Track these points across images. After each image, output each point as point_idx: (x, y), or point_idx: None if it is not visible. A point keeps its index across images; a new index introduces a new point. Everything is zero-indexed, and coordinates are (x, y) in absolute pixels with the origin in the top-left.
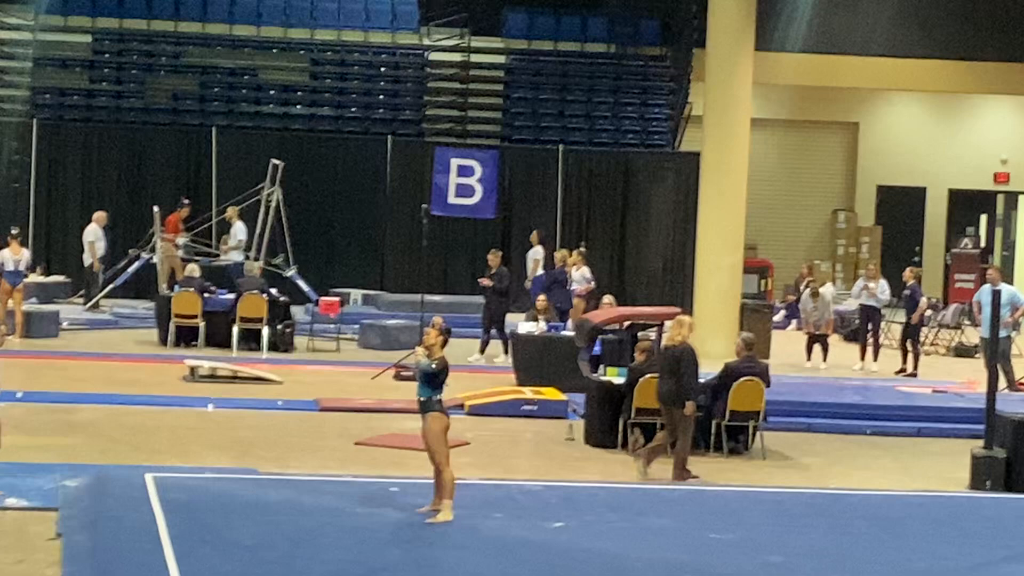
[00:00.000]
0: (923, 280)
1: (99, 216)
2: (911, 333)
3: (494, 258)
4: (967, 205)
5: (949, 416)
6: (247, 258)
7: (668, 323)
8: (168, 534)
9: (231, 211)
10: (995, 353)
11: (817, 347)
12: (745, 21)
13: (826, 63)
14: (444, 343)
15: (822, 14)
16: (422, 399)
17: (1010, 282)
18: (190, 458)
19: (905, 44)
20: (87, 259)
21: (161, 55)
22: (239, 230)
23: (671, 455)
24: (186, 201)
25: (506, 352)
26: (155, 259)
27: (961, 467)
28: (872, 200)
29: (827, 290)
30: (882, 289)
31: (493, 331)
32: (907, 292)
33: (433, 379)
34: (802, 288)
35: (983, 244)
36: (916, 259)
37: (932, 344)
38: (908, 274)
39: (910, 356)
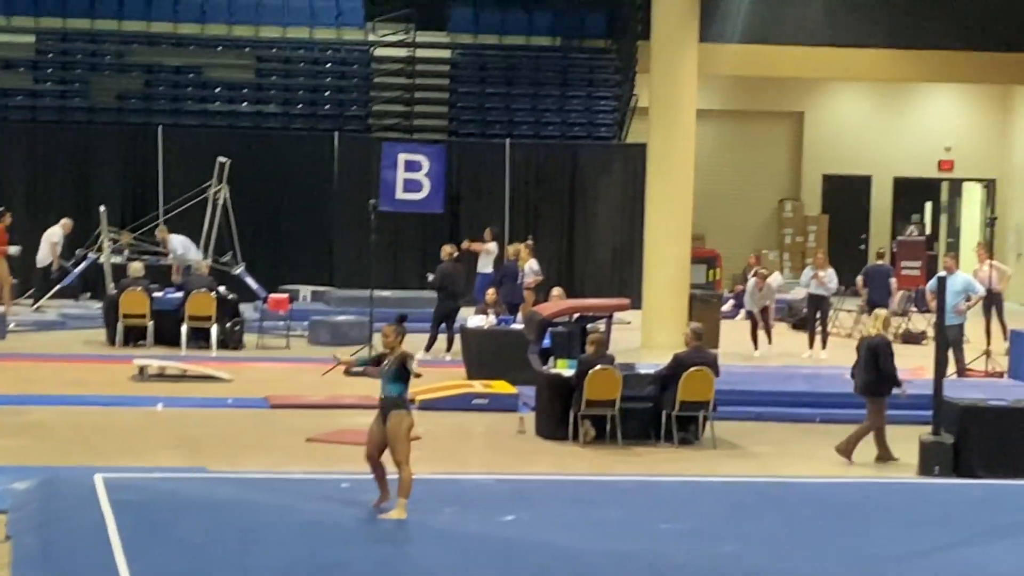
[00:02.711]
0: None
1: (66, 223)
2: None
3: (444, 253)
4: (912, 193)
5: (897, 403)
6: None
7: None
8: (118, 534)
9: (160, 231)
10: (945, 340)
11: (761, 333)
12: (689, 13)
13: (771, 53)
14: (402, 338)
15: (766, 4)
16: (392, 395)
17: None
18: (140, 458)
19: (849, 33)
20: (44, 259)
21: (105, 54)
22: (177, 245)
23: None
24: (2, 208)
25: (448, 349)
26: (102, 259)
27: (910, 453)
28: (818, 189)
29: (774, 279)
30: (830, 278)
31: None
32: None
33: (403, 375)
34: (750, 275)
35: (928, 231)
36: (862, 247)
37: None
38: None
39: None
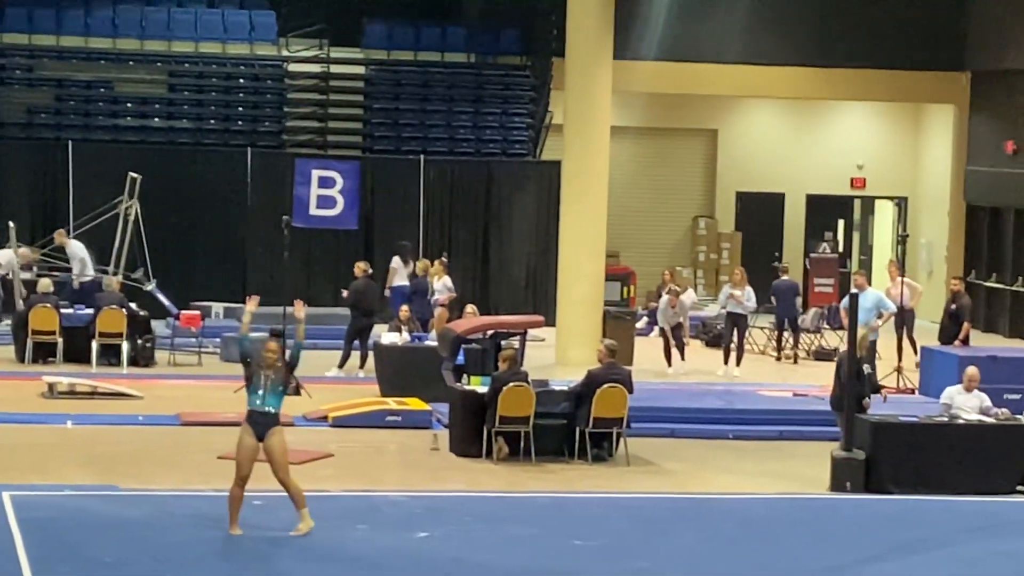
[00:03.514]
0: None
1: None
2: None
3: (358, 270)
4: (825, 210)
5: (810, 419)
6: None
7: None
8: (26, 553)
9: (57, 236)
10: (856, 356)
11: (674, 350)
12: (603, 30)
13: (685, 71)
14: (284, 351)
15: (680, 22)
16: (273, 412)
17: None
18: (49, 476)
19: (763, 51)
20: None
21: (15, 68)
22: (76, 250)
23: None
24: None
25: (361, 366)
26: (10, 275)
27: (822, 469)
28: (732, 206)
29: (687, 296)
30: (748, 296)
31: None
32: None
33: (284, 391)
34: (665, 292)
35: (841, 249)
36: (776, 264)
37: (792, 349)
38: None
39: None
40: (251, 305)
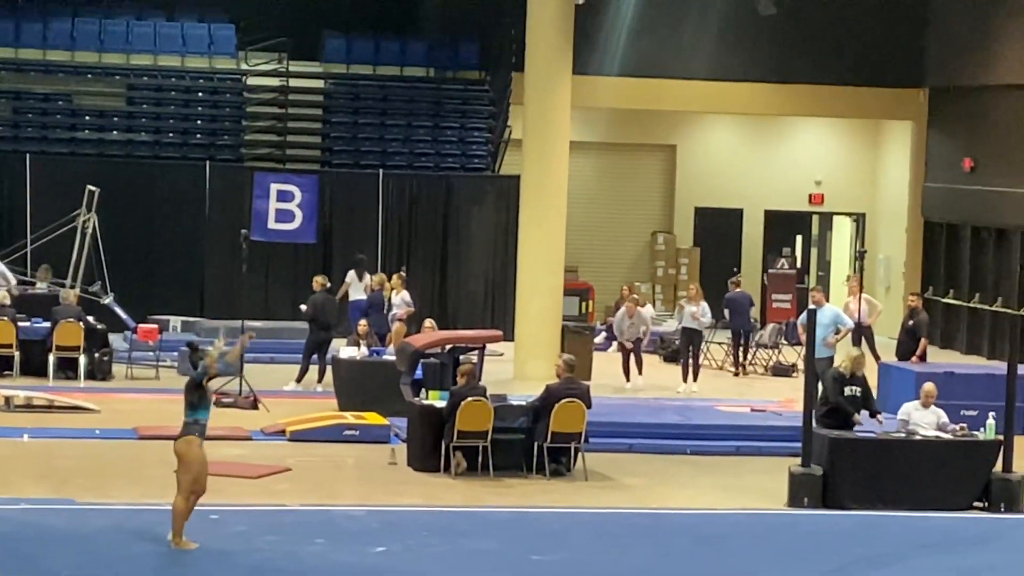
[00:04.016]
0: None
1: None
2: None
3: (316, 284)
4: (783, 226)
5: (767, 435)
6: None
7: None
8: None
9: None
10: (815, 372)
11: (632, 363)
12: (563, 45)
13: (644, 86)
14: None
15: (639, 38)
16: (204, 421)
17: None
18: (6, 489)
19: (721, 67)
20: None
21: None
22: None
23: None
24: None
25: (319, 380)
26: None
27: (780, 484)
28: (690, 222)
29: (646, 310)
30: (703, 312)
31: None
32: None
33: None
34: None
35: (799, 264)
36: (734, 279)
37: (751, 363)
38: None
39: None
40: (243, 341)
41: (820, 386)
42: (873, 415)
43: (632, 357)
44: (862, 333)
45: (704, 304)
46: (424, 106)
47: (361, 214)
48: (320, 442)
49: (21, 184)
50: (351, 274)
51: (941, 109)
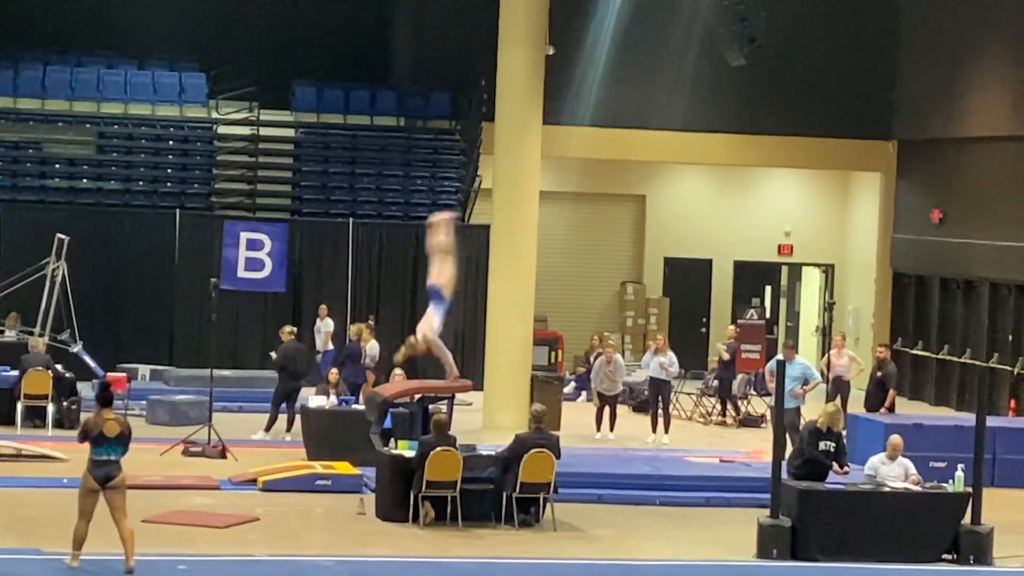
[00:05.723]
0: (709, 351)
1: None
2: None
3: (284, 334)
4: (752, 276)
5: (736, 486)
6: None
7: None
8: None
9: None
10: (783, 423)
11: (607, 414)
12: (533, 95)
13: (614, 137)
14: None
15: (610, 89)
16: (120, 460)
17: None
18: None
19: (691, 118)
20: None
21: None
22: None
23: None
24: None
25: (288, 429)
26: None
27: (749, 536)
28: (660, 272)
29: (619, 359)
30: (671, 362)
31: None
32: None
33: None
34: (592, 358)
35: (768, 315)
36: (703, 330)
37: (720, 415)
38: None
39: None
40: None
41: (787, 438)
42: (841, 467)
43: (607, 409)
44: (839, 388)
45: (671, 354)
46: (394, 155)
47: (331, 262)
48: (292, 492)
49: None
50: (331, 322)
51: (910, 161)
